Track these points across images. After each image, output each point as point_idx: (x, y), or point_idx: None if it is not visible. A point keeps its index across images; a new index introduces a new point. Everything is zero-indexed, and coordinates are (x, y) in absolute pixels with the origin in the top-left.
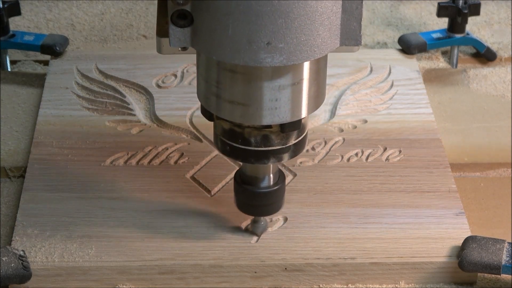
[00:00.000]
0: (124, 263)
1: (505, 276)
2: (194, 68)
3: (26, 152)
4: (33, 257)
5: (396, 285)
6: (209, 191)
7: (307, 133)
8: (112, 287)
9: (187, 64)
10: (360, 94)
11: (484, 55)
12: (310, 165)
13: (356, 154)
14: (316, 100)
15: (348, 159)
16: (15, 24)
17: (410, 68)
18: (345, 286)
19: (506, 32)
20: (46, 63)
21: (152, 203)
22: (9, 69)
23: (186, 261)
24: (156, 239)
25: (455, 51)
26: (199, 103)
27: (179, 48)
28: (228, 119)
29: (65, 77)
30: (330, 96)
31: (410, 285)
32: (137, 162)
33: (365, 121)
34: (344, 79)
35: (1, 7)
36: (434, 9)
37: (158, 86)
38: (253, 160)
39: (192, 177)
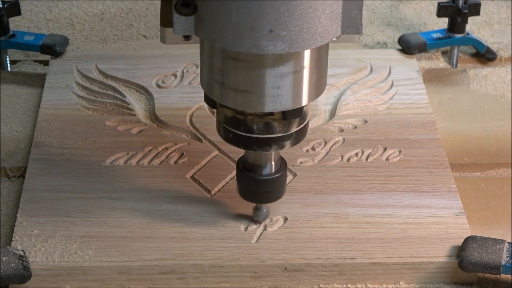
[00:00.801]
0: (124, 263)
1: (505, 276)
2: (194, 68)
3: (26, 152)
4: (33, 257)
5: (396, 285)
6: (209, 191)
7: (308, 121)
8: (113, 287)
9: (187, 64)
10: (360, 94)
11: (484, 55)
12: (310, 165)
13: (356, 154)
14: (318, 88)
15: (348, 159)
16: (15, 24)
17: (410, 68)
18: (345, 286)
19: (506, 32)
20: (46, 63)
21: (152, 203)
22: (9, 69)
23: (186, 261)
24: (156, 239)
25: (455, 51)
26: (199, 103)
27: (182, 38)
28: (231, 107)
29: (65, 77)
30: (330, 96)
31: (410, 285)
32: (137, 162)
33: (365, 121)
34: (344, 79)
35: (1, 7)
36: (434, 9)
37: (158, 86)
38: (255, 148)
39: (192, 177)
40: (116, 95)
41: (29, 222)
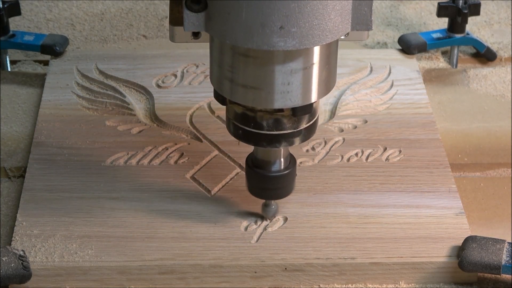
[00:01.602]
0: (124, 263)
1: (505, 276)
2: (194, 68)
3: (26, 152)
4: (33, 257)
5: (396, 285)
6: (209, 191)
7: (318, 117)
8: (113, 287)
9: (187, 64)
10: (360, 94)
11: (484, 55)
12: (310, 165)
13: (356, 154)
14: (327, 84)
15: (348, 159)
16: (15, 24)
17: (410, 68)
18: (345, 286)
19: (506, 32)
20: (46, 63)
21: (152, 203)
22: (9, 69)
23: (186, 261)
24: (156, 239)
25: (455, 51)
26: (199, 103)
27: (191, 37)
28: (240, 103)
29: (65, 77)
30: (330, 96)
31: (410, 285)
32: (137, 162)
33: (365, 121)
34: (344, 79)
35: (1, 7)
36: (434, 9)
37: (158, 86)
38: (265, 144)
39: (192, 177)
40: (116, 95)
41: (29, 222)
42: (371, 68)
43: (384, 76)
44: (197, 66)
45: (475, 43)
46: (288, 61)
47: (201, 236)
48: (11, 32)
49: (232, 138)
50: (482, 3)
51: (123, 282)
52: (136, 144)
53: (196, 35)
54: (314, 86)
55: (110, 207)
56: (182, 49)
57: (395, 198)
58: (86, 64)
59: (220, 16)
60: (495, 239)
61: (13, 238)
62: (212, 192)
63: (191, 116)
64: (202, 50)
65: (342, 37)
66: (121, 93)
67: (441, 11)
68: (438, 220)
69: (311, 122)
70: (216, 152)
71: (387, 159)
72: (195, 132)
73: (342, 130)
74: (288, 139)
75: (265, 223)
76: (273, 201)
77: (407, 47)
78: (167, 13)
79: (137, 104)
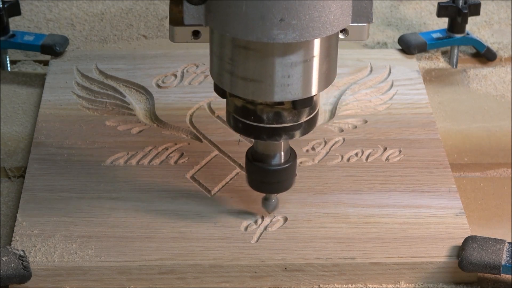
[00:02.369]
0: (124, 263)
1: (505, 276)
2: (194, 68)
3: (26, 152)
4: (33, 257)
5: (396, 285)
6: (209, 191)
7: (318, 110)
8: (113, 287)
9: (187, 64)
10: (360, 94)
11: (484, 55)
12: (310, 165)
13: (356, 154)
14: (328, 77)
15: (348, 159)
16: (15, 24)
17: (410, 68)
18: (345, 286)
19: (506, 32)
20: (46, 63)
21: (152, 203)
22: (9, 69)
23: (186, 261)
24: (156, 239)
25: (455, 51)
26: (199, 103)
27: (191, 37)
28: (241, 96)
29: (65, 77)
30: (330, 96)
31: (410, 285)
32: (137, 162)
33: (365, 121)
34: (344, 79)
35: (1, 7)
36: (434, 9)
37: (158, 86)
38: (265, 137)
39: (192, 177)
40: (116, 95)
41: (29, 222)
42: (371, 68)
43: (384, 76)
44: (197, 66)
45: (475, 43)
46: (288, 54)
47: (201, 236)
48: (11, 32)
49: (232, 138)
50: (482, 3)
51: (123, 282)
52: (136, 144)
53: (196, 34)
54: (314, 79)
55: (110, 207)
56: (182, 49)
57: (395, 198)
58: (86, 64)
59: (220, 9)
60: (495, 239)
61: (13, 238)
62: (212, 192)
63: (191, 116)
64: (202, 50)
65: (342, 37)
66: (121, 93)
67: (441, 11)
68: (438, 220)
69: (311, 115)
70: (216, 152)
71: (387, 159)
72: (195, 132)
73: (342, 130)
74: (288, 132)
75: (265, 223)
76: (273, 195)
77: (407, 47)
78: (167, 13)
79: (137, 104)
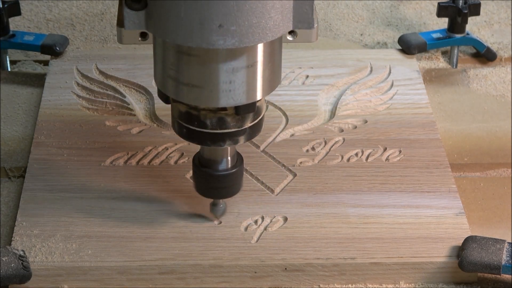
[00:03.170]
0: (124, 263)
1: (505, 276)
2: None
3: (26, 152)
4: (33, 257)
5: (396, 285)
6: None
7: (263, 116)
8: (113, 287)
9: None
10: (360, 94)
11: (484, 55)
12: (310, 165)
13: (356, 154)
14: (271, 83)
15: (348, 159)
16: (15, 24)
17: (410, 68)
18: (345, 286)
19: (506, 32)
20: (46, 63)
21: (152, 203)
22: (9, 69)
23: (186, 261)
24: (156, 239)
25: (455, 51)
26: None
27: (139, 38)
28: (184, 102)
29: (65, 77)
30: (330, 96)
31: (410, 285)
32: (137, 162)
33: (365, 121)
34: (344, 79)
35: (1, 7)
36: (434, 9)
37: None
38: (209, 143)
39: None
40: (116, 95)
41: (29, 222)
42: (371, 68)
43: (384, 76)
44: None
45: (475, 43)
46: (230, 60)
47: (201, 236)
48: (11, 32)
49: None
50: (482, 3)
51: (123, 282)
52: (136, 144)
53: (144, 36)
54: (257, 84)
55: (110, 207)
56: None
57: (395, 198)
58: (86, 64)
59: (160, 15)
60: (495, 239)
61: (13, 238)
62: None
63: None
64: None
65: (290, 39)
66: (121, 93)
67: (441, 11)
68: (438, 220)
69: (256, 121)
70: None
71: (387, 159)
72: None
73: (342, 130)
74: (232, 138)
75: (265, 223)
76: (221, 200)
77: (407, 47)
78: None
79: (137, 104)
